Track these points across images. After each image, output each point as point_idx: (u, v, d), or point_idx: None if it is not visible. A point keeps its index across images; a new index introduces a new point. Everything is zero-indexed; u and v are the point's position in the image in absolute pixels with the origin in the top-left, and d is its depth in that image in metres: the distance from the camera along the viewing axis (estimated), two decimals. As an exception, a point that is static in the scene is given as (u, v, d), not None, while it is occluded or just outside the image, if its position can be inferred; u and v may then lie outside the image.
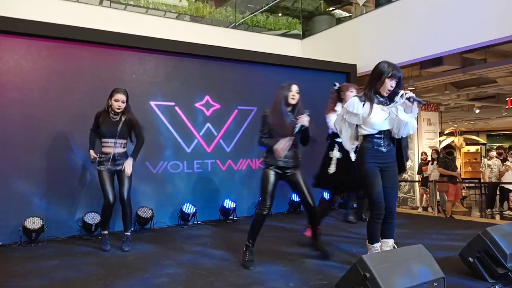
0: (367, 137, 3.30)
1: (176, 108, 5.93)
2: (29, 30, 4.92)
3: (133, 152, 4.33)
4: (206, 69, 6.16)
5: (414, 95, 3.22)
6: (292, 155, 3.68)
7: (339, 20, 9.55)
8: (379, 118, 3.24)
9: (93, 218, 4.97)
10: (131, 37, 5.55)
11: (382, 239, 3.37)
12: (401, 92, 3.23)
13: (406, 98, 3.17)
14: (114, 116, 4.27)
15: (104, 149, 4.29)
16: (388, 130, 3.30)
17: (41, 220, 4.69)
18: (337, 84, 4.73)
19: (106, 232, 4.39)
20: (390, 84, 3.23)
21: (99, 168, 4.29)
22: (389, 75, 3.22)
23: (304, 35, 9.19)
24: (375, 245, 3.30)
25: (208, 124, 6.16)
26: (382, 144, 3.29)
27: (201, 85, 6.12)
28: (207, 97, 6.17)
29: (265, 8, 9.37)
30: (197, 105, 6.09)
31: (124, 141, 4.35)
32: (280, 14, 9.76)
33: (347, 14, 10.20)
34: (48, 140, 5.01)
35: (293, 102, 3.73)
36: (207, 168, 6.12)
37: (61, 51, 5.18)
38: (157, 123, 5.76)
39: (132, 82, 5.61)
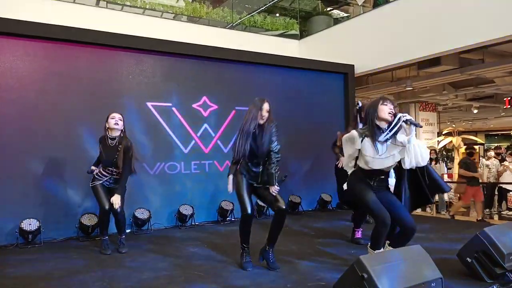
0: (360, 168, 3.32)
1: (173, 109, 5.91)
2: (25, 31, 4.90)
3: (120, 186, 4.19)
4: (203, 70, 6.15)
5: (411, 118, 3.19)
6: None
7: (337, 21, 9.55)
8: (373, 156, 3.18)
9: (90, 219, 4.96)
10: (128, 38, 5.54)
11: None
12: (399, 115, 3.18)
13: (403, 121, 3.13)
14: (111, 142, 4.19)
15: (102, 171, 4.28)
16: (380, 170, 3.25)
17: (37, 222, 4.67)
18: (360, 103, 4.41)
19: (106, 237, 4.34)
20: (387, 108, 3.19)
21: (93, 184, 4.26)
22: (382, 102, 3.22)
23: (302, 35, 9.19)
24: (376, 251, 3.24)
25: (205, 125, 6.14)
26: (373, 179, 3.28)
27: (199, 86, 6.11)
28: (204, 98, 6.15)
29: (263, 8, 9.36)
30: (194, 106, 6.08)
31: (119, 170, 4.24)
32: (277, 15, 9.76)
33: (345, 15, 10.21)
34: (44, 141, 4.99)
35: (261, 122, 3.53)
36: (204, 169, 6.11)
37: (58, 52, 5.16)
38: (154, 124, 5.74)
39: (129, 83, 5.60)
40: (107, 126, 4.21)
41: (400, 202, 3.31)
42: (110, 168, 4.24)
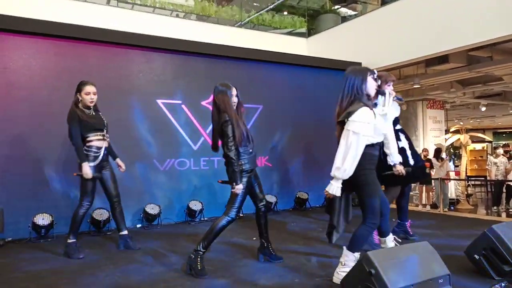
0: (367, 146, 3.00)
1: (183, 106, 5.97)
2: (37, 29, 4.98)
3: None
4: (212, 68, 6.19)
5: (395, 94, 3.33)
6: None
7: (345, 19, 9.53)
8: (381, 123, 3.22)
9: (101, 214, 5.04)
10: (138, 36, 5.60)
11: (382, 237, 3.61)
12: (386, 91, 3.28)
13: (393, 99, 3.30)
14: (88, 111, 4.03)
15: (96, 144, 4.03)
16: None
17: (50, 216, 4.75)
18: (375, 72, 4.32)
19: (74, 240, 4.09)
20: (375, 85, 3.07)
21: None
22: (372, 75, 3.04)
23: (310, 33, 9.18)
24: (356, 254, 3.02)
25: (214, 122, 6.18)
26: (377, 152, 3.16)
27: (207, 83, 6.13)
28: (213, 95, 6.18)
29: (271, 7, 9.38)
30: (203, 103, 6.13)
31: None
32: (285, 13, 9.76)
33: (353, 12, 10.19)
34: (56, 137, 5.06)
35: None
36: (213, 165, 6.17)
37: (69, 50, 5.24)
38: (164, 121, 5.81)
39: (139, 81, 5.66)
40: (80, 99, 3.98)
41: None
42: (103, 134, 4.04)
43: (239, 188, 3.32)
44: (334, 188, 2.95)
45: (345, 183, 2.99)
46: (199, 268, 3.30)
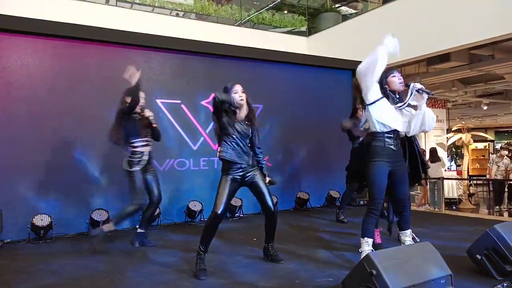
0: (378, 135, 3.37)
1: (182, 106, 5.94)
2: (35, 29, 4.95)
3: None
4: (211, 67, 6.16)
5: (422, 86, 3.29)
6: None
7: (345, 17, 9.50)
8: (392, 115, 3.32)
9: (100, 215, 5.01)
10: (137, 36, 5.57)
11: (400, 231, 3.59)
12: (411, 84, 3.28)
13: (416, 90, 3.24)
14: (135, 116, 4.20)
15: (142, 147, 4.21)
16: (398, 132, 3.39)
17: (49, 218, 4.73)
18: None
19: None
20: (397, 79, 3.38)
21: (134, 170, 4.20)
22: (390, 74, 3.41)
23: (310, 32, 9.16)
24: (367, 239, 3.38)
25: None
26: (393, 143, 3.37)
27: (207, 83, 6.13)
28: (213, 95, 6.14)
29: (271, 5, 9.35)
30: (203, 102, 6.10)
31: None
32: (285, 12, 9.74)
33: (353, 11, 10.16)
34: (55, 138, 5.05)
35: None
36: (213, 166, 6.13)
37: (68, 49, 5.21)
38: (163, 121, 5.77)
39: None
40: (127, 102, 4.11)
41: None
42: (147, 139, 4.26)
43: None
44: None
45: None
46: (197, 268, 3.27)
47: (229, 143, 3.42)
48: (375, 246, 4.20)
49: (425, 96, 3.25)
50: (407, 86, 3.32)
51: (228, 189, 3.39)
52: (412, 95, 3.27)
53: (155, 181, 4.34)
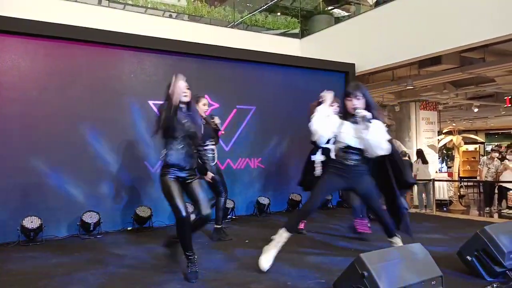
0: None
1: (175, 107, 5.91)
2: (27, 29, 4.91)
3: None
4: (204, 69, 6.16)
5: (365, 113, 3.33)
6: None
7: (338, 19, 9.53)
8: (347, 134, 3.46)
9: (91, 217, 4.98)
10: (130, 37, 5.55)
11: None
12: (357, 111, 3.36)
13: (359, 117, 3.34)
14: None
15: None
16: (356, 147, 3.45)
17: (39, 220, 4.69)
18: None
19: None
20: (350, 104, 3.43)
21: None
22: (346, 97, 3.49)
23: (303, 34, 9.18)
24: (284, 232, 3.45)
25: (206, 123, 6.15)
26: (347, 158, 3.47)
27: (200, 84, 6.10)
28: (205, 97, 6.14)
29: (264, 7, 9.36)
30: (195, 104, 6.08)
31: None
32: (278, 14, 9.75)
33: (346, 14, 10.20)
34: (46, 139, 5.01)
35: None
36: (205, 167, 6.11)
37: (60, 50, 5.18)
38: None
39: (131, 82, 5.61)
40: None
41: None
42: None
43: None
44: None
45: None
46: (189, 271, 3.24)
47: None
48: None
49: (368, 124, 3.31)
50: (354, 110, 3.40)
51: (177, 190, 3.25)
52: (360, 121, 3.35)
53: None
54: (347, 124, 3.47)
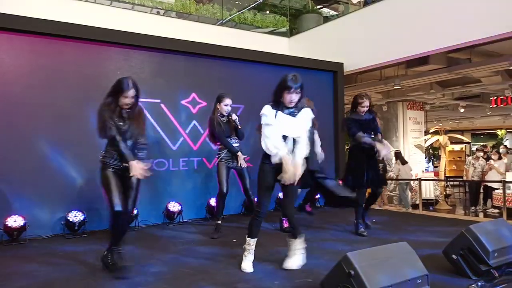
0: None
1: (162, 105, 5.87)
2: (11, 24, 4.82)
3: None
4: (192, 66, 6.11)
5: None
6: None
7: (327, 19, 9.56)
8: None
9: (76, 216, 4.91)
10: (117, 33, 5.48)
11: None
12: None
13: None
14: (222, 118, 4.77)
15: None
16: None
17: (22, 219, 4.60)
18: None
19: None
20: (289, 97, 3.38)
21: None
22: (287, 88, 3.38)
23: (292, 33, 9.18)
24: (249, 239, 3.46)
25: (194, 122, 6.12)
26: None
27: (187, 82, 6.08)
28: (193, 95, 6.13)
29: (253, 5, 9.34)
30: (183, 102, 6.05)
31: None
32: (267, 12, 9.74)
33: (335, 13, 10.23)
34: (30, 137, 4.92)
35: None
36: (193, 166, 6.08)
37: (45, 46, 5.09)
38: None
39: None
40: (218, 108, 4.74)
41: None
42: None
43: None
44: None
45: None
46: (109, 263, 3.33)
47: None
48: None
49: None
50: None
51: (115, 181, 3.35)
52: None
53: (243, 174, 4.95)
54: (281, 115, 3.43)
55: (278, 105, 3.42)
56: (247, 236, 3.48)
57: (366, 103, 4.71)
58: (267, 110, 3.46)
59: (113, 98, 3.40)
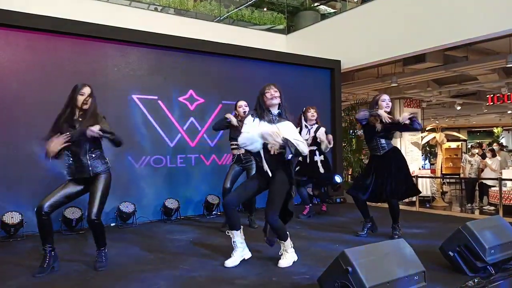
0: None
1: (159, 102, 5.86)
2: (7, 20, 4.80)
3: None
4: (190, 63, 6.10)
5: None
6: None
7: (324, 16, 9.56)
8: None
9: (73, 213, 4.90)
10: (114, 29, 5.46)
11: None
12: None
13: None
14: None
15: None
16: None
17: (20, 215, 4.60)
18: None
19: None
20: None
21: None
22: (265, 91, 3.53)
23: (289, 30, 9.18)
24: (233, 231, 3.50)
25: (191, 119, 6.11)
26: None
27: (185, 79, 6.07)
28: (190, 91, 6.12)
29: (250, 2, 9.32)
30: (180, 99, 6.04)
31: None
32: (265, 9, 9.73)
33: (332, 10, 10.22)
34: (26, 134, 4.90)
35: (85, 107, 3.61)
36: (190, 163, 6.08)
37: (41, 42, 5.07)
38: (139, 117, 5.69)
39: (114, 75, 5.53)
40: (237, 114, 4.89)
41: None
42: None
43: None
44: None
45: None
46: (43, 266, 3.28)
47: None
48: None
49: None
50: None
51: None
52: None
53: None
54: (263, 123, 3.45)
55: (259, 113, 3.51)
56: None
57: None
58: (247, 119, 3.54)
59: (67, 106, 3.64)
